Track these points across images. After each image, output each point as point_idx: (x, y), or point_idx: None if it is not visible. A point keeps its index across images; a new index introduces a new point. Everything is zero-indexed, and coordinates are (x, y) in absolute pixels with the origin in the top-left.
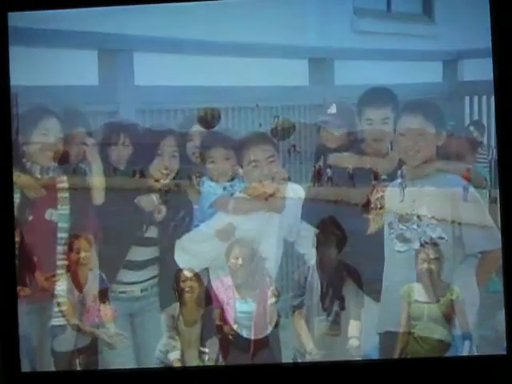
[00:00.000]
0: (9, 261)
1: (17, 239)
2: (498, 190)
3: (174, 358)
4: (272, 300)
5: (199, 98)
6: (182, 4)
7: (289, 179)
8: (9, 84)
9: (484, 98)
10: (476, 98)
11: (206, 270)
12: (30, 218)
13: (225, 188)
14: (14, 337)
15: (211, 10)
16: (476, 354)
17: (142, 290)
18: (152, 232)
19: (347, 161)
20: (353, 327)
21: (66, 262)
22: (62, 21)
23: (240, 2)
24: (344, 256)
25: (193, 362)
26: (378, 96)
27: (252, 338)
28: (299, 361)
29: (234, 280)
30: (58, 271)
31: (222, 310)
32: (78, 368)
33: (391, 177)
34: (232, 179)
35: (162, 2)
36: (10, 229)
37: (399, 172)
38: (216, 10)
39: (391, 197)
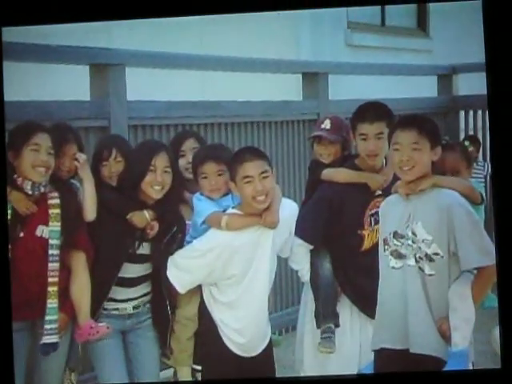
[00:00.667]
0: (3, 279)
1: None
2: (492, 205)
3: (166, 375)
4: (265, 317)
5: (192, 113)
6: (174, 19)
7: (282, 195)
8: (3, 99)
9: (479, 112)
10: (471, 113)
11: (199, 286)
12: (21, 234)
13: (218, 204)
14: (8, 354)
15: (204, 25)
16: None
17: (134, 307)
18: (144, 248)
19: (341, 176)
20: (347, 344)
21: (57, 279)
22: (52, 35)
23: (233, 18)
24: (338, 272)
25: (185, 379)
26: (372, 111)
27: (245, 355)
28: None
29: (227, 297)
30: (50, 288)
31: (216, 327)
32: None
33: (386, 192)
34: (225, 195)
35: (154, 17)
36: (5, 246)
37: (394, 187)
38: (209, 24)
39: (386, 213)
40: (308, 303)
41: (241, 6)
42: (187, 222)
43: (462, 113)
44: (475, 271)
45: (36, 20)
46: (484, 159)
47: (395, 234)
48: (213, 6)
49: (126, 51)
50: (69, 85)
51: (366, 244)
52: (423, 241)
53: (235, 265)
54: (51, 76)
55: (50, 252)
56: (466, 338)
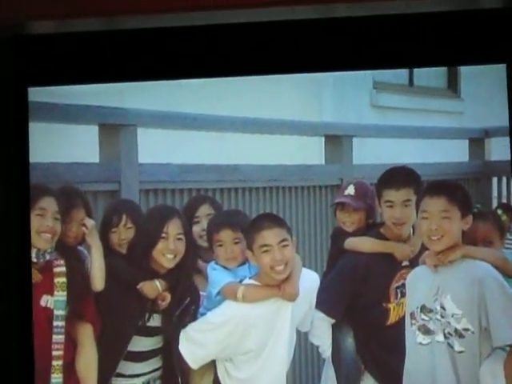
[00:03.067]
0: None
1: None
2: None
3: None
4: None
5: (207, 177)
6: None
7: (303, 265)
8: (28, 161)
9: None
10: (504, 179)
11: (213, 361)
12: None
13: (234, 273)
14: None
15: (222, 85)
16: None
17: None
18: (155, 321)
19: (366, 246)
20: None
21: (62, 353)
22: (60, 95)
23: (250, 78)
24: (362, 348)
25: None
26: (398, 176)
27: None
28: None
29: (243, 373)
30: (54, 362)
31: None
32: None
33: (413, 263)
34: (242, 264)
35: (171, 79)
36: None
37: (422, 258)
38: (226, 85)
39: (413, 285)
40: (329, 381)
41: (260, 69)
42: (201, 292)
43: (495, 179)
44: (508, 348)
45: (62, 80)
46: None
47: (423, 308)
48: (231, 68)
49: (138, 111)
50: (76, 146)
51: (392, 318)
52: (453, 315)
53: (252, 339)
54: (58, 137)
55: (55, 323)
56: None
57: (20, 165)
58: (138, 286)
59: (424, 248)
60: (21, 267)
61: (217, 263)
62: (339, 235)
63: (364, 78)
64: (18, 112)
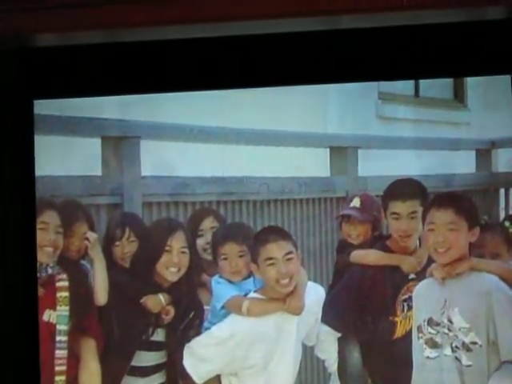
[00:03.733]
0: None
1: None
2: None
3: None
4: None
5: (211, 190)
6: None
7: (308, 278)
8: (34, 175)
9: None
10: None
11: (218, 376)
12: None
13: (238, 287)
14: None
15: (225, 98)
16: None
17: None
18: (159, 335)
19: (371, 258)
20: None
21: (65, 368)
22: (61, 108)
23: (254, 90)
24: (368, 362)
25: None
26: (404, 188)
27: None
28: None
29: None
30: (57, 378)
31: None
32: None
33: (420, 276)
34: (246, 278)
35: (177, 91)
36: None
37: (429, 271)
38: (229, 97)
39: (420, 298)
40: None
41: (264, 80)
42: (205, 306)
43: (502, 190)
44: None
45: (68, 92)
46: None
47: (430, 321)
48: (235, 79)
49: (141, 123)
50: (78, 159)
51: (399, 332)
52: (460, 329)
53: (257, 353)
54: (59, 149)
55: (58, 338)
56: None
57: (26, 178)
58: (142, 300)
59: (431, 260)
60: (27, 282)
61: (221, 277)
62: (345, 248)
63: (369, 88)
64: (23, 125)
